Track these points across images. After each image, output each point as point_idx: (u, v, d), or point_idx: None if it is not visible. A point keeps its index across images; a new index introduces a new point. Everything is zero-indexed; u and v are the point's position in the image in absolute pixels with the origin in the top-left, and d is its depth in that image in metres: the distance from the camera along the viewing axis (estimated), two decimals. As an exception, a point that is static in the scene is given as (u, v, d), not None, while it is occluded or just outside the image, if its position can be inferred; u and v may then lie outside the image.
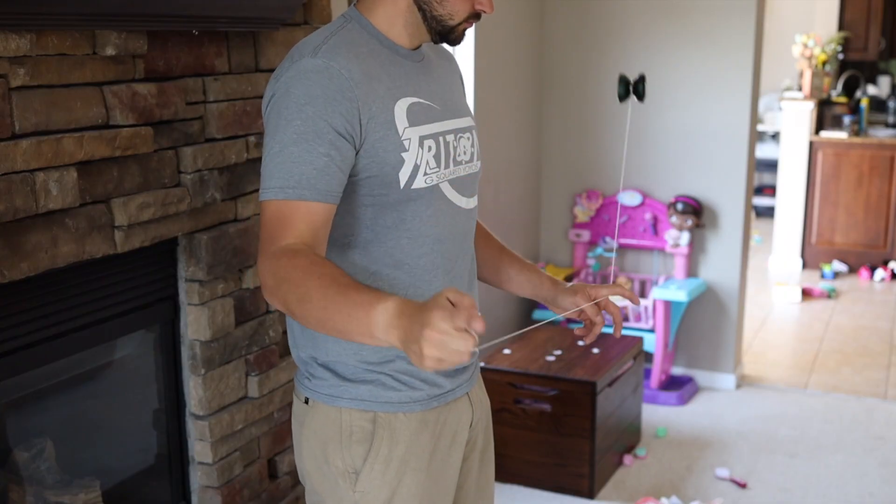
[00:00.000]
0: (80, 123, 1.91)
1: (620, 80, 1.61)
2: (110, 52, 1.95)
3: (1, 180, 1.73)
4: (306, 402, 1.58)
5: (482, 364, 3.33)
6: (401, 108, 1.48)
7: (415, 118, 1.50)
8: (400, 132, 1.47)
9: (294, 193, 1.38)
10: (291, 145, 1.39)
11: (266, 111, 1.46)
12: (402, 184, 1.47)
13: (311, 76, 1.41)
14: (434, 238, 1.53)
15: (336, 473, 1.54)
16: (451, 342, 1.13)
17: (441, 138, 1.54)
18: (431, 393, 1.57)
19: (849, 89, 7.27)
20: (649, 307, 4.11)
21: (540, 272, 1.79)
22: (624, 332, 4.03)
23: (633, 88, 1.61)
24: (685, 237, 4.15)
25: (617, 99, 1.63)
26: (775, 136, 7.73)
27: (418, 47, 1.58)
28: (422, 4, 1.50)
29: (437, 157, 1.52)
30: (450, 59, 1.71)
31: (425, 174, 1.50)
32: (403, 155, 1.47)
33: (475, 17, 1.53)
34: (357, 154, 1.44)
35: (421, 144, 1.49)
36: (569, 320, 4.23)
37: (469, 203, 1.62)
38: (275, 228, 1.38)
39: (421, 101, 1.53)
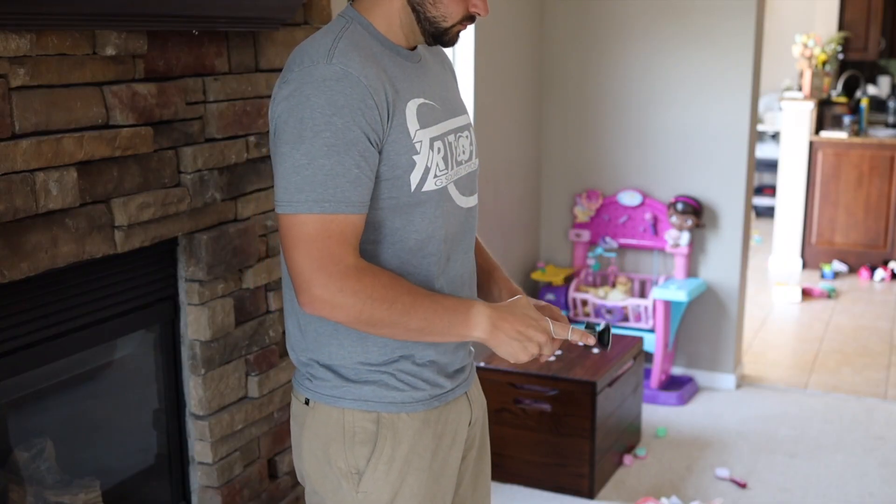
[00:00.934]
0: (80, 123, 1.91)
1: (587, 327, 1.60)
2: (110, 52, 1.95)
3: (1, 180, 1.73)
4: (306, 402, 1.58)
5: (481, 364, 3.33)
6: (411, 109, 1.48)
7: (424, 120, 1.50)
8: (412, 135, 1.47)
9: (332, 207, 1.38)
10: (322, 157, 1.38)
11: (280, 118, 1.42)
12: (413, 187, 1.47)
13: (332, 84, 1.39)
14: (439, 239, 1.53)
15: (339, 474, 1.54)
16: (546, 348, 1.52)
17: (446, 139, 1.54)
18: (433, 393, 1.57)
19: (849, 89, 7.27)
20: (649, 307, 4.11)
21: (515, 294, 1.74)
22: (624, 331, 4.03)
23: (598, 338, 1.59)
24: (685, 237, 4.15)
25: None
26: (775, 136, 7.73)
27: (415, 48, 1.57)
28: (416, 6, 1.49)
29: (445, 158, 1.52)
30: (443, 57, 1.70)
31: (435, 176, 1.50)
32: (415, 158, 1.46)
33: (469, 19, 1.52)
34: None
35: (431, 146, 1.49)
36: (570, 319, 4.23)
37: (469, 202, 1.62)
38: (329, 245, 1.39)
39: (427, 101, 1.52)
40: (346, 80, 1.39)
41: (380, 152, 1.44)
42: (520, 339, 1.47)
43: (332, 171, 1.38)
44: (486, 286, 1.76)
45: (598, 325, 1.60)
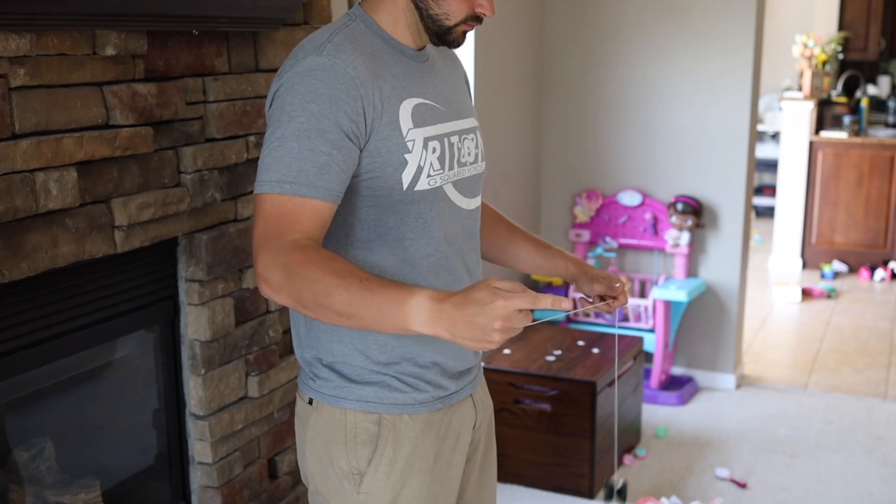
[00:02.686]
0: (80, 123, 1.91)
1: (605, 484, 1.60)
2: (110, 52, 1.95)
3: (1, 180, 1.73)
4: (310, 402, 1.58)
5: (482, 364, 3.33)
6: (406, 108, 1.47)
7: (420, 119, 1.49)
8: (404, 133, 1.46)
9: (292, 189, 1.37)
10: (292, 141, 1.38)
11: (269, 108, 1.45)
12: (405, 185, 1.46)
13: (316, 73, 1.40)
14: (437, 239, 1.53)
15: (340, 475, 1.54)
16: (517, 322, 1.28)
17: (446, 140, 1.53)
18: (436, 395, 1.57)
19: (849, 89, 7.27)
20: (649, 307, 4.11)
21: (556, 254, 1.77)
22: (624, 331, 4.03)
23: (616, 494, 1.61)
24: (685, 237, 4.15)
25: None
26: (775, 136, 7.73)
27: (423, 48, 1.57)
28: (418, 3, 1.49)
29: (441, 158, 1.51)
30: (454, 59, 1.69)
31: (429, 176, 1.49)
32: (406, 156, 1.46)
33: (475, 19, 1.51)
34: (360, 153, 1.44)
35: (425, 146, 1.48)
36: (569, 319, 4.24)
37: (471, 204, 1.61)
38: (279, 223, 1.37)
39: (426, 101, 1.52)
40: (331, 70, 1.40)
41: (362, 147, 1.43)
42: (469, 329, 1.28)
43: (298, 154, 1.38)
44: (549, 260, 1.77)
45: (618, 483, 1.62)
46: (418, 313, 1.30)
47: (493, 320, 1.26)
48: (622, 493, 1.65)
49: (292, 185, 1.38)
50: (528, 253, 1.79)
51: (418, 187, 1.48)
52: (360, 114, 1.41)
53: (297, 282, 1.33)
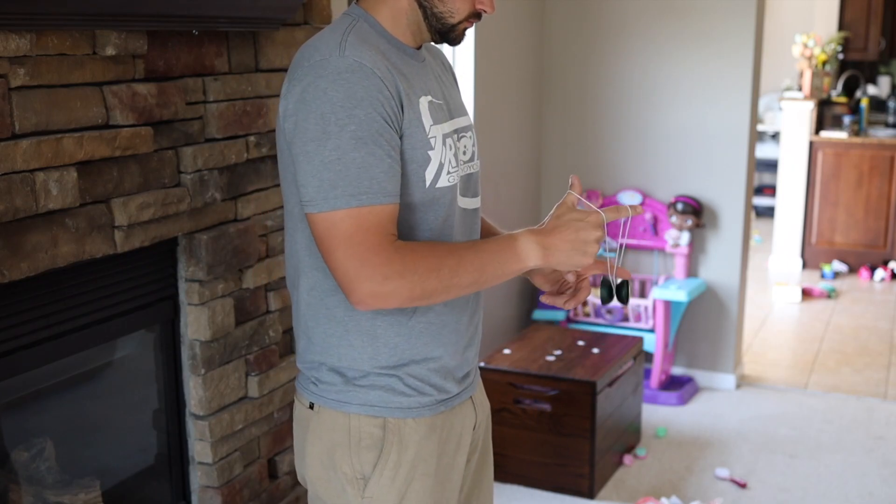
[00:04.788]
0: (80, 123, 1.91)
1: (603, 283, 1.57)
2: (110, 52, 1.95)
3: (1, 180, 1.73)
4: (311, 407, 1.57)
5: (482, 364, 3.33)
6: (424, 105, 1.48)
7: (435, 116, 1.49)
8: (427, 130, 1.46)
9: (369, 199, 1.37)
10: (352, 151, 1.36)
11: (298, 116, 1.39)
12: (428, 182, 1.46)
13: (347, 76, 1.37)
14: (446, 239, 1.52)
15: (343, 479, 1.53)
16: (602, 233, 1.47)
17: (453, 137, 1.54)
18: (439, 398, 1.56)
19: (849, 89, 7.27)
20: (649, 307, 4.11)
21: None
22: (624, 331, 4.03)
23: (616, 292, 1.57)
24: (685, 237, 4.15)
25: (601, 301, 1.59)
26: (775, 136, 7.73)
27: (419, 47, 1.57)
28: (423, 2, 1.48)
29: (455, 155, 1.52)
30: (443, 59, 1.69)
31: (448, 173, 1.50)
32: (430, 153, 1.46)
33: (475, 16, 1.52)
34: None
35: (444, 143, 1.49)
36: (569, 319, 4.24)
37: (472, 203, 1.61)
38: (367, 239, 1.37)
39: (434, 99, 1.52)
40: (360, 71, 1.38)
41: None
42: (576, 246, 1.45)
43: (364, 163, 1.36)
44: None
45: (616, 280, 1.56)
46: (531, 251, 1.45)
47: (593, 230, 1.45)
48: (622, 291, 1.54)
49: (367, 195, 1.37)
50: None
51: (440, 184, 1.48)
52: (396, 112, 1.41)
53: (418, 279, 1.39)
